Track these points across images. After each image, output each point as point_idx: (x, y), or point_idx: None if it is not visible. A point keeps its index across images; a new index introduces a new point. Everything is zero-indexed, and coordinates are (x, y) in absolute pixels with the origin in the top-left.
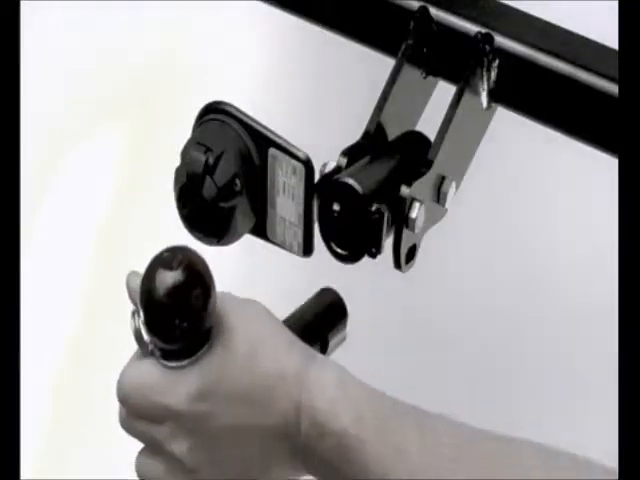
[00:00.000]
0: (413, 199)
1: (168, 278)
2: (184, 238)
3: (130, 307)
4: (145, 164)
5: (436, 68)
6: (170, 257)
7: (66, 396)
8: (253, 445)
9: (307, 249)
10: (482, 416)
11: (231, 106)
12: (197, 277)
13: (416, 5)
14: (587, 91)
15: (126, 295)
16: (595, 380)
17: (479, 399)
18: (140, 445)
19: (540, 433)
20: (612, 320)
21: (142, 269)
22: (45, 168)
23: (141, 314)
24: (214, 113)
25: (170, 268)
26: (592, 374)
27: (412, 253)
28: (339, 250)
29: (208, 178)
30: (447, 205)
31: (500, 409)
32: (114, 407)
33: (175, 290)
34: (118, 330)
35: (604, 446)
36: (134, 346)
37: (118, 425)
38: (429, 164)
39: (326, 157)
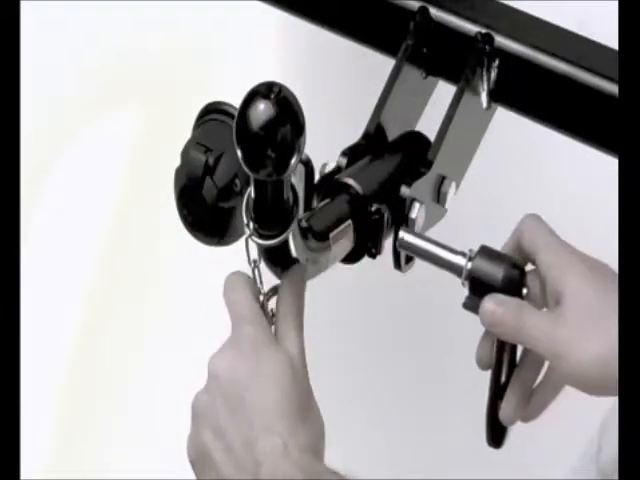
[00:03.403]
0: (413, 199)
1: (262, 111)
2: (185, 237)
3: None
4: (145, 164)
5: (436, 68)
6: (266, 88)
7: (71, 396)
8: None
9: None
10: (481, 416)
11: (231, 106)
12: (290, 112)
13: (416, 5)
14: (587, 91)
15: (131, 292)
16: None
17: (478, 397)
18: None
19: (540, 432)
20: None
21: (142, 269)
22: (43, 168)
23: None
24: (214, 113)
25: (266, 97)
26: None
27: None
28: None
29: (208, 178)
30: (447, 205)
31: None
32: (116, 406)
33: (269, 121)
34: (122, 325)
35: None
36: (137, 343)
37: (120, 425)
38: (429, 164)
39: (326, 157)
